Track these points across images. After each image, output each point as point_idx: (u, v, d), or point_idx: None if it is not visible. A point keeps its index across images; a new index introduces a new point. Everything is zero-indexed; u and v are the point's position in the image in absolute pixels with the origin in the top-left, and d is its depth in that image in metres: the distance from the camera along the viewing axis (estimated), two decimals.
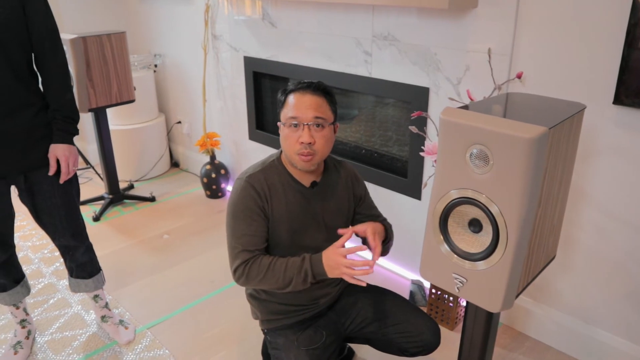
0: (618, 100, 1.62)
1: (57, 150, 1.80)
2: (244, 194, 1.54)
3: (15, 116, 1.73)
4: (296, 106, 1.50)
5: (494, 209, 1.12)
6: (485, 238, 1.17)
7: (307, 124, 1.49)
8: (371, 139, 2.56)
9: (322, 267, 1.48)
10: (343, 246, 1.47)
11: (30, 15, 1.71)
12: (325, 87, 1.55)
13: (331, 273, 1.47)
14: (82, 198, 3.35)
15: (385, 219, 1.75)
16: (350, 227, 1.62)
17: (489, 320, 1.37)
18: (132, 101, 3.17)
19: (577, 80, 1.71)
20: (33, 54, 1.78)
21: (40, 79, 1.82)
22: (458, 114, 1.14)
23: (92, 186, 3.66)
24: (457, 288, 1.24)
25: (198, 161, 3.72)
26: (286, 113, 1.52)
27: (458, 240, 1.22)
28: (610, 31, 1.59)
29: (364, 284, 1.44)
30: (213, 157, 3.38)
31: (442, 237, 1.23)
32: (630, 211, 1.71)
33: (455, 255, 1.21)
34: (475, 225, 1.18)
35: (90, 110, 2.98)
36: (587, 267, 1.87)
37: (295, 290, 1.53)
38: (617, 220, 1.75)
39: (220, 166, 3.39)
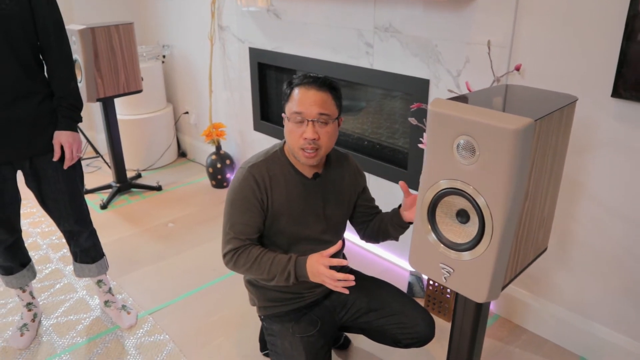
0: (616, 93, 1.61)
1: (61, 137, 1.85)
2: (244, 184, 1.56)
3: (21, 104, 1.77)
4: (301, 101, 1.50)
5: (480, 201, 1.13)
6: (472, 229, 1.18)
7: (312, 120, 1.50)
8: (373, 131, 2.57)
9: (305, 271, 1.51)
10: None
11: (36, 6, 1.75)
12: (331, 82, 1.55)
13: (313, 278, 1.50)
14: (91, 186, 3.42)
15: (380, 211, 1.77)
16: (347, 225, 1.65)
17: (479, 310, 1.38)
18: (140, 91, 3.21)
19: (576, 73, 1.70)
20: (38, 44, 1.82)
21: (45, 68, 1.86)
22: (446, 105, 1.15)
23: (100, 175, 3.72)
24: (445, 278, 1.25)
25: (204, 151, 3.76)
26: (291, 107, 1.52)
27: (445, 230, 1.23)
28: (610, 24, 1.58)
29: (347, 292, 1.47)
30: (219, 148, 3.41)
31: (429, 226, 1.24)
32: (629, 205, 1.70)
33: (442, 245, 1.22)
34: (462, 216, 1.19)
35: (98, 100, 3.02)
36: (585, 261, 1.87)
37: (277, 285, 1.57)
38: (615, 215, 1.75)
39: (226, 156, 3.42)
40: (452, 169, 1.17)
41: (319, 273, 1.47)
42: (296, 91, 1.52)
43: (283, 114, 1.58)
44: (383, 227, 1.71)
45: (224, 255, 1.59)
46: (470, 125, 1.10)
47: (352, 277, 1.45)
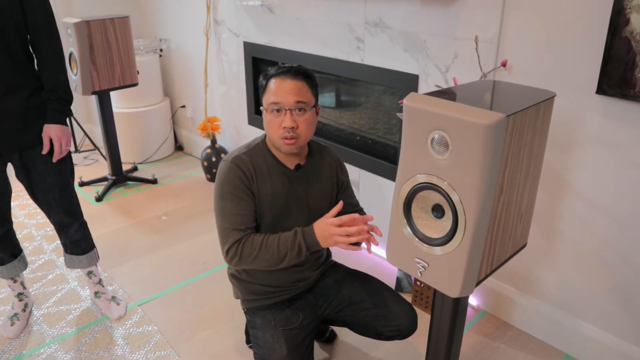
0: (601, 90, 1.60)
1: (50, 131, 1.86)
2: (231, 175, 1.56)
3: (10, 97, 1.79)
4: (277, 91, 1.52)
5: (454, 197, 1.13)
6: (446, 224, 1.18)
7: (289, 109, 1.51)
8: (365, 126, 2.57)
9: (315, 239, 1.52)
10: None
11: (26, 0, 1.76)
12: (306, 71, 1.57)
13: (324, 243, 1.52)
14: (87, 179, 3.44)
15: (362, 209, 1.78)
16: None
17: (456, 305, 1.38)
18: (135, 85, 3.22)
19: (561, 70, 1.70)
20: (29, 37, 1.83)
21: (35, 61, 1.87)
22: (420, 100, 1.15)
23: (97, 167, 3.74)
24: (420, 272, 1.26)
25: (201, 145, 3.77)
26: (268, 98, 1.54)
27: (421, 225, 1.23)
28: (595, 20, 1.58)
29: (360, 249, 1.49)
30: (214, 141, 3.42)
31: (405, 220, 1.25)
32: (614, 202, 1.70)
33: (417, 239, 1.23)
34: (437, 211, 1.20)
35: (93, 93, 3.04)
36: (571, 259, 1.87)
37: (289, 265, 1.56)
38: (600, 212, 1.74)
39: (221, 150, 3.43)
40: (427, 164, 1.17)
41: (330, 235, 1.49)
42: (272, 82, 1.54)
43: (261, 107, 1.59)
44: None
45: (227, 251, 1.55)
46: (444, 120, 1.10)
47: (369, 217, 1.49)
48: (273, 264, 1.55)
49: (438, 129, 1.12)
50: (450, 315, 1.40)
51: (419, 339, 2.00)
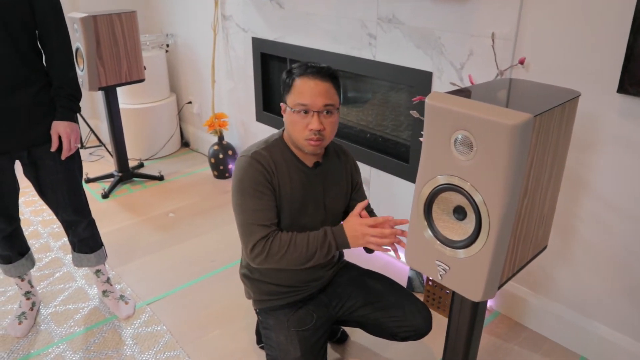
0: (622, 89, 1.57)
1: (59, 127, 1.83)
2: (252, 170, 1.52)
3: (18, 93, 1.76)
4: (305, 93, 1.47)
5: (477, 198, 1.10)
6: (469, 226, 1.15)
7: (317, 112, 1.48)
8: (376, 123, 2.54)
9: (345, 238, 1.51)
10: (360, 216, 1.52)
11: None
12: (334, 72, 1.53)
13: (355, 243, 1.50)
14: (93, 175, 3.42)
15: (372, 210, 1.76)
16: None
17: (475, 308, 1.35)
18: (142, 80, 3.19)
19: (581, 68, 1.66)
20: (37, 32, 1.80)
21: (43, 57, 1.84)
22: (444, 99, 1.12)
23: (103, 164, 3.72)
24: (440, 275, 1.23)
25: (207, 141, 3.74)
26: (294, 99, 1.50)
27: (442, 227, 1.20)
28: (617, 17, 1.54)
29: (389, 251, 1.49)
30: (221, 138, 3.40)
31: (426, 222, 1.22)
32: (633, 203, 1.67)
33: (438, 242, 1.20)
34: (459, 213, 1.17)
35: (100, 89, 3.01)
36: (587, 260, 1.84)
37: (315, 264, 1.54)
38: (618, 213, 1.71)
39: (228, 147, 3.41)
40: (450, 165, 1.14)
41: (363, 235, 1.48)
42: (298, 82, 1.49)
43: (282, 104, 1.55)
44: None
45: (252, 248, 1.50)
46: (468, 120, 1.07)
47: (403, 221, 1.47)
48: (300, 263, 1.52)
49: (462, 129, 1.09)
50: (469, 318, 1.38)
51: (431, 340, 1.98)
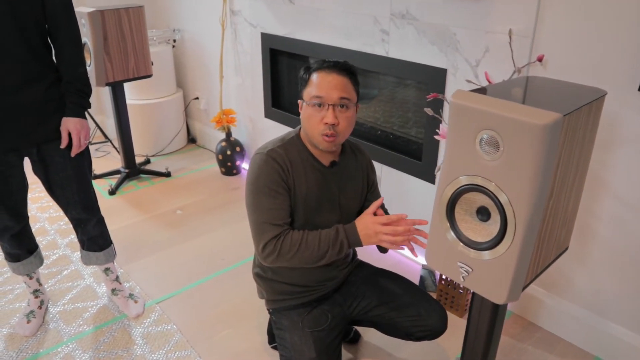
0: None
1: (68, 124, 1.81)
2: (267, 168, 1.49)
3: (28, 89, 1.73)
4: (321, 85, 1.46)
5: (502, 198, 1.08)
6: (493, 227, 1.13)
7: (332, 105, 1.46)
8: (387, 120, 2.51)
9: (357, 237, 1.49)
10: (374, 214, 1.50)
11: None
12: (351, 67, 1.52)
13: (367, 241, 1.49)
14: (99, 171, 3.39)
15: (387, 210, 1.73)
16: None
17: (495, 310, 1.33)
18: (150, 76, 3.17)
19: (601, 66, 1.63)
20: (47, 27, 1.77)
21: (53, 52, 1.82)
22: (469, 97, 1.09)
23: (109, 160, 3.69)
24: (462, 277, 1.20)
25: (214, 138, 3.72)
26: (310, 92, 1.48)
27: (465, 228, 1.18)
28: (638, 13, 1.51)
29: (402, 249, 1.47)
30: (229, 134, 3.37)
31: (448, 224, 1.19)
32: None
33: (461, 244, 1.17)
34: (483, 214, 1.14)
35: (107, 85, 2.98)
36: (603, 260, 1.82)
37: (327, 263, 1.52)
38: (637, 213, 1.68)
39: (236, 143, 3.38)
40: (474, 165, 1.11)
41: (375, 233, 1.46)
42: (315, 75, 1.48)
43: (300, 100, 1.53)
44: None
45: (264, 247, 1.49)
46: (495, 119, 1.04)
47: (423, 222, 1.45)
48: (312, 262, 1.50)
49: (488, 128, 1.06)
50: (489, 320, 1.35)
51: (444, 339, 1.96)
